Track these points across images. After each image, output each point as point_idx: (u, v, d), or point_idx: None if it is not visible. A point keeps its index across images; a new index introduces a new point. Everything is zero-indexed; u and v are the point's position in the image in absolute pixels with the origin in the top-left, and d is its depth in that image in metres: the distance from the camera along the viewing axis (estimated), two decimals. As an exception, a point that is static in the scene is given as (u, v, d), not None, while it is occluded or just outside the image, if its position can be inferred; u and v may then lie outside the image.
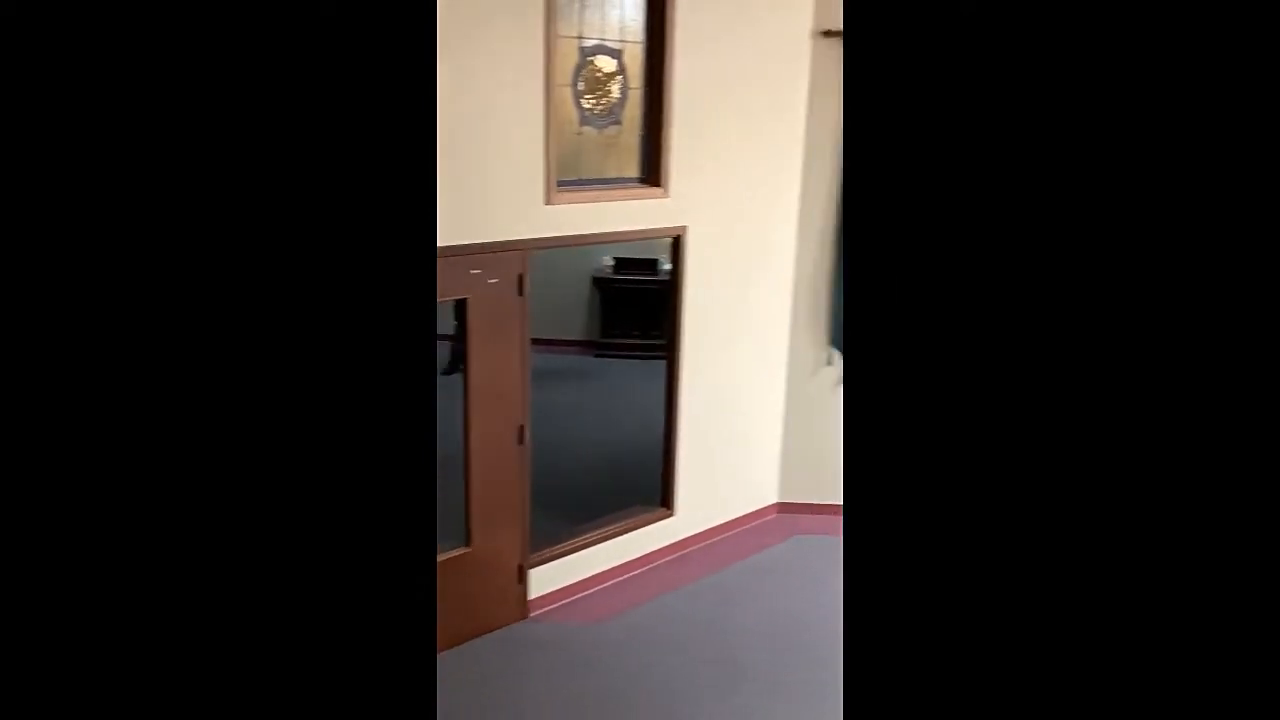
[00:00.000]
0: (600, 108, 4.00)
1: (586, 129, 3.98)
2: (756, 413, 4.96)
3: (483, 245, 3.62)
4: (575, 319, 7.88)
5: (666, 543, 4.71)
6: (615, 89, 4.03)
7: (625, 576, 4.53)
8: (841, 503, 5.12)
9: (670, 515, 4.69)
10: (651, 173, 4.17)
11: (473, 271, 3.63)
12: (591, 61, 3.92)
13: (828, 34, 4.53)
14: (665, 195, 4.17)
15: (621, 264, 7.72)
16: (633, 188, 4.14)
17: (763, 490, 5.13)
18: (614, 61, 3.99)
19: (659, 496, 4.69)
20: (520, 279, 3.79)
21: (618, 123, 4.07)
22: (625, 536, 4.53)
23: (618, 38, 3.97)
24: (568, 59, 3.83)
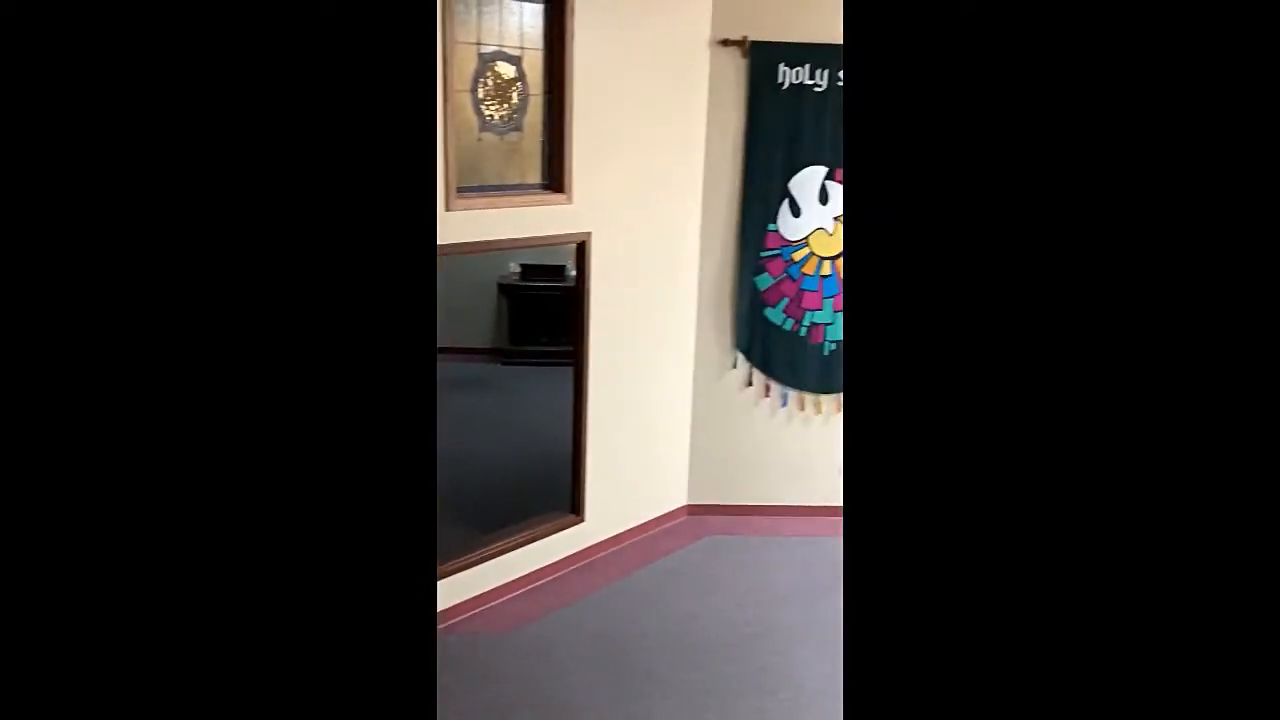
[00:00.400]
0: (501, 114, 3.99)
1: (487, 135, 3.96)
2: (664, 416, 5.00)
3: (382, 253, 3.56)
4: (482, 327, 7.81)
5: (577, 549, 4.71)
6: (515, 95, 4.02)
7: (535, 585, 4.51)
8: (752, 503, 5.23)
9: (580, 521, 4.68)
10: (554, 179, 4.18)
11: (372, 279, 3.57)
12: (491, 67, 3.91)
13: (725, 43, 4.61)
14: (568, 201, 4.18)
15: (528, 270, 7.69)
16: (535, 194, 4.14)
17: (672, 493, 5.18)
18: (513, 68, 3.98)
19: (568, 503, 4.68)
20: (422, 287, 3.73)
21: (518, 129, 4.07)
22: (534, 544, 4.51)
23: (517, 44, 3.97)
24: (466, 64, 3.80)
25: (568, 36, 4.00)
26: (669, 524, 5.15)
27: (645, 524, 5.03)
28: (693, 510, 5.24)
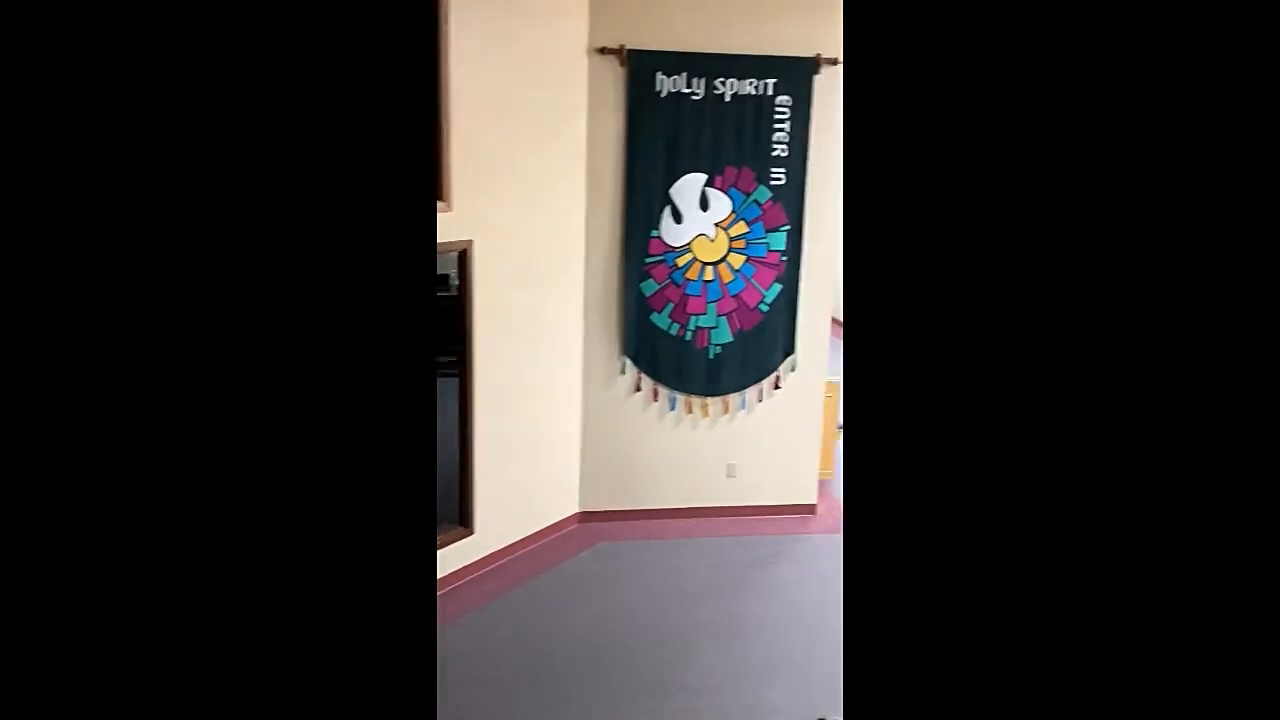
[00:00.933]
0: (376, 121, 3.90)
1: (362, 142, 3.87)
2: (553, 424, 4.98)
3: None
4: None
5: (468, 561, 4.63)
6: (391, 102, 3.94)
7: (426, 600, 4.42)
8: (643, 507, 5.26)
9: (470, 534, 4.61)
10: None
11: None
12: (364, 73, 3.82)
13: (603, 51, 4.65)
14: (448, 209, 4.12)
15: (413, 282, 7.54)
16: (414, 202, 4.06)
17: (563, 501, 5.16)
18: (388, 74, 3.90)
19: (457, 515, 4.61)
20: (296, 298, 3.62)
21: (395, 136, 3.99)
22: (424, 559, 4.41)
23: (391, 50, 3.89)
24: (338, 70, 3.71)
25: (443, 44, 3.95)
26: (561, 532, 5.13)
27: (537, 533, 5.00)
28: (584, 517, 5.24)
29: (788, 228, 5.00)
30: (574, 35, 4.59)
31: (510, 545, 4.85)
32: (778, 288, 5.08)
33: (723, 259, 5.01)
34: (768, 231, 4.99)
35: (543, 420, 4.90)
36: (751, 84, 4.79)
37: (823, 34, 4.82)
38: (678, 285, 5.00)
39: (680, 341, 5.07)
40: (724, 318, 5.08)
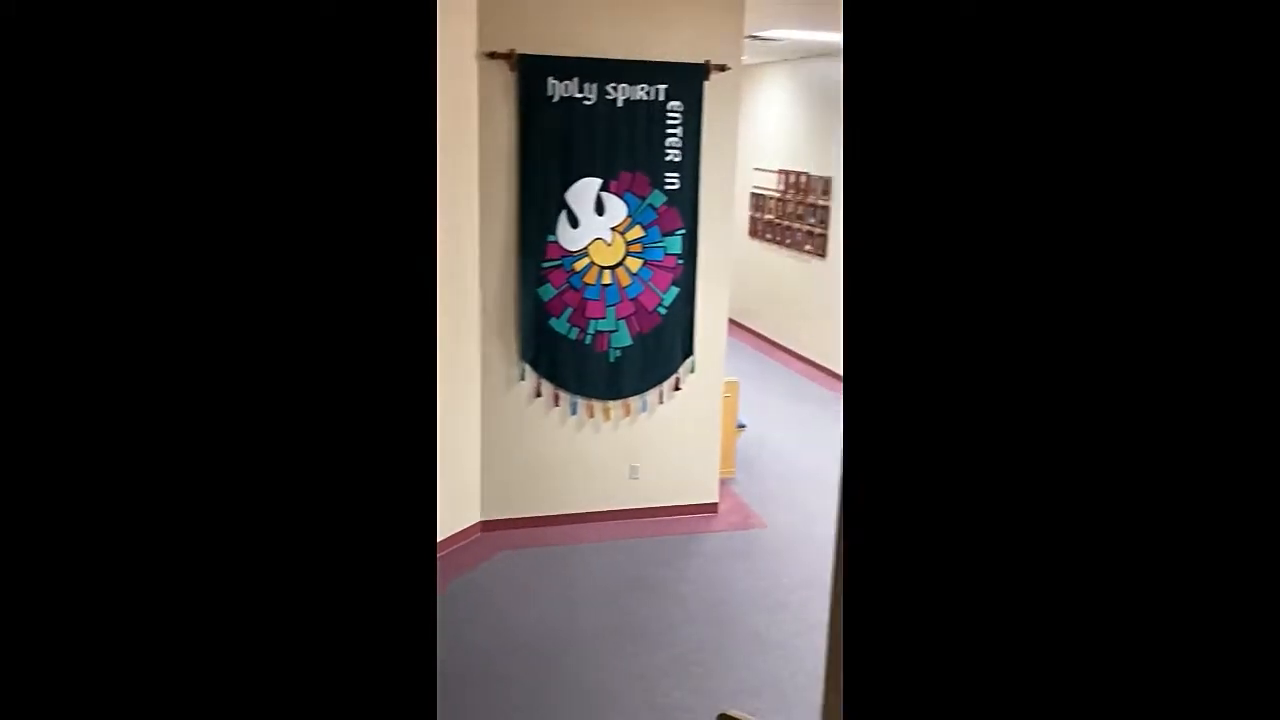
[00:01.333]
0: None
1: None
2: (452, 432, 4.92)
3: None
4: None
5: (367, 576, 4.53)
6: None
7: (323, 617, 4.30)
8: (546, 513, 5.25)
9: (368, 547, 4.52)
10: (319, 193, 4.01)
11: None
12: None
13: (493, 55, 4.62)
14: (336, 216, 4.03)
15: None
16: (300, 209, 3.96)
17: (465, 510, 5.10)
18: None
19: (355, 529, 4.50)
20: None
21: (277, 142, 3.88)
22: (320, 575, 4.30)
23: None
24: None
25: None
26: (463, 542, 5.07)
27: (439, 544, 4.93)
28: (487, 526, 5.19)
29: (683, 231, 5.06)
30: (463, 39, 4.55)
31: (411, 557, 4.77)
32: (675, 290, 5.13)
33: (620, 263, 5.04)
34: (663, 235, 5.05)
35: (441, 428, 4.83)
36: (643, 89, 4.84)
37: (712, 41, 4.90)
38: (576, 289, 5.01)
39: (580, 346, 5.08)
40: (623, 321, 5.11)
